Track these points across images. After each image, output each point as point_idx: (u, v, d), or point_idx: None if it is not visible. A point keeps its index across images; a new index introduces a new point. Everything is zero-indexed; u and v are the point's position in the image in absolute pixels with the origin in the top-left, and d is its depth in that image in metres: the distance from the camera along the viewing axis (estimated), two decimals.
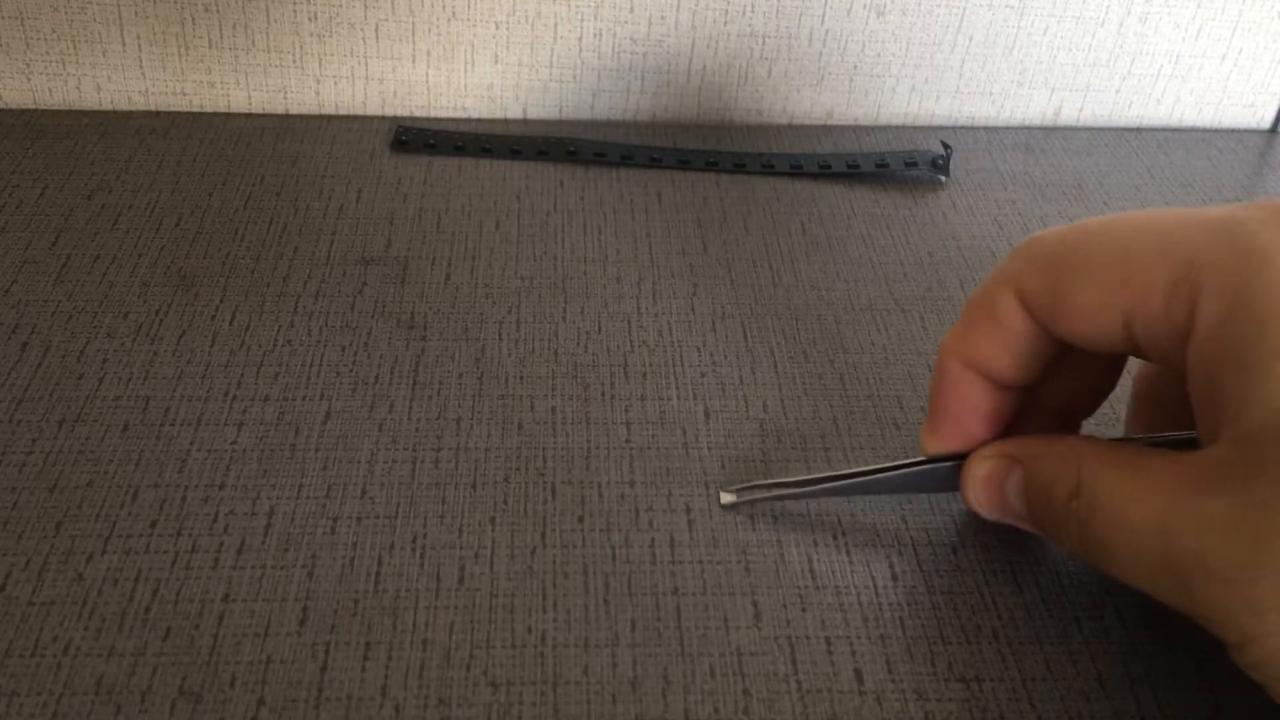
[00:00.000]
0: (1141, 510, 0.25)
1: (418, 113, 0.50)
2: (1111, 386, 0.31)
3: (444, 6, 0.48)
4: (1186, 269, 0.24)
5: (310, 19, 0.48)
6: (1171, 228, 0.25)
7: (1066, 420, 0.31)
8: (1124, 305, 0.26)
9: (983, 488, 0.29)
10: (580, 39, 0.49)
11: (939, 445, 0.30)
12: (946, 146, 0.48)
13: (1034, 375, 0.29)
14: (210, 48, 0.48)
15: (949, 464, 0.30)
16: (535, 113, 0.51)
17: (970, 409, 0.29)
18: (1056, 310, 0.27)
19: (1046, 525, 0.28)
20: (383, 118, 0.50)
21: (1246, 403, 0.23)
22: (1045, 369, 0.29)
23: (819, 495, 0.32)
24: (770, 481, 0.33)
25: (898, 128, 0.51)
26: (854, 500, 0.33)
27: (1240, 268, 0.24)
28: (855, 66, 0.50)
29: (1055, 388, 0.30)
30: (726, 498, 0.33)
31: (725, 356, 0.38)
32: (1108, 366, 0.30)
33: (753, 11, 0.48)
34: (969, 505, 0.30)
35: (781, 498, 0.32)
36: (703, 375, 0.37)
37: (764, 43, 0.49)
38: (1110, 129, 0.52)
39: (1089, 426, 0.34)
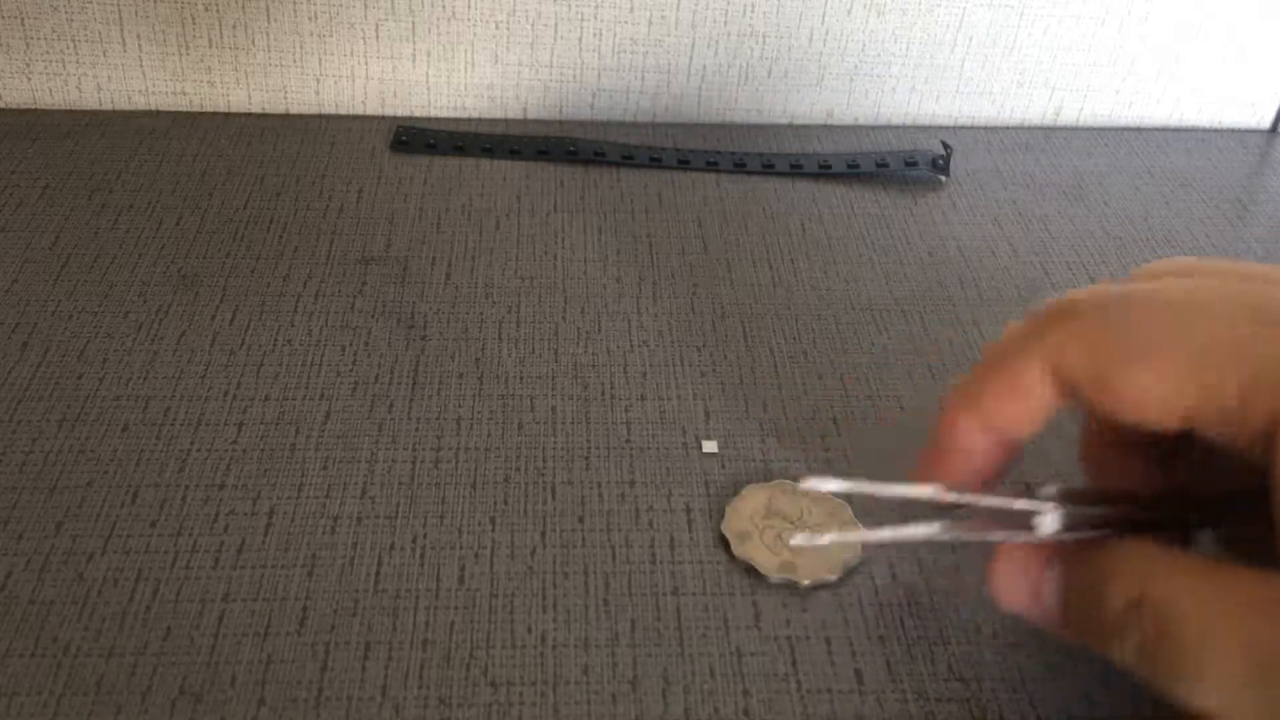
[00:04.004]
0: (1235, 636, 0.22)
1: (418, 113, 0.50)
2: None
3: (444, 6, 0.48)
4: (1264, 369, 0.23)
5: (310, 19, 0.48)
6: (1238, 317, 0.24)
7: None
8: (1190, 399, 0.24)
9: (1012, 580, 0.27)
10: (580, 39, 0.49)
11: (943, 477, 0.28)
12: (946, 146, 0.48)
13: (1041, 428, 0.27)
14: (210, 47, 0.48)
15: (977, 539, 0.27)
16: (535, 113, 0.51)
17: (978, 459, 0.27)
18: (1104, 391, 0.25)
19: (1091, 634, 0.25)
20: (383, 118, 0.50)
21: None
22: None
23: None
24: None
25: (898, 128, 0.51)
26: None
27: None
28: (855, 66, 0.50)
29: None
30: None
31: (725, 356, 0.38)
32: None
33: (753, 11, 0.48)
34: (992, 594, 0.27)
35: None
36: (703, 375, 0.37)
37: (764, 43, 0.49)
38: (1110, 129, 0.52)
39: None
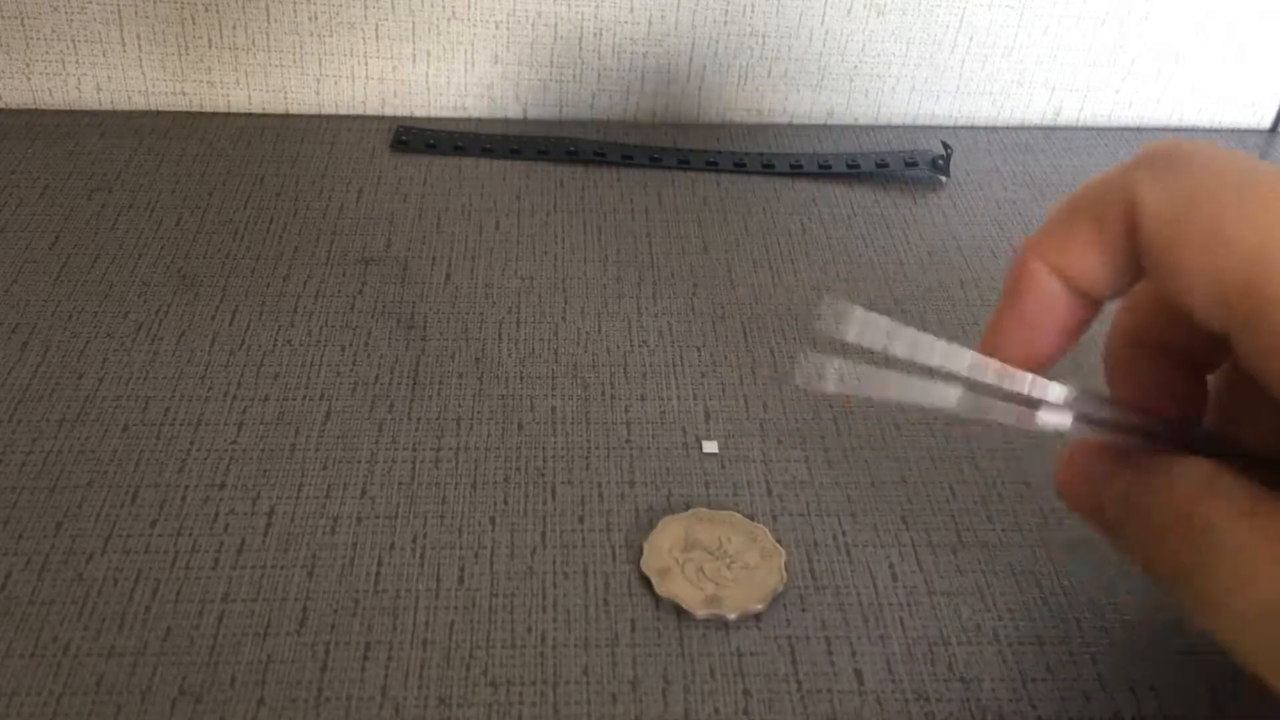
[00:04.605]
0: (1271, 584, 0.21)
1: (418, 113, 0.50)
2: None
3: (444, 6, 0.48)
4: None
5: (310, 19, 0.48)
6: None
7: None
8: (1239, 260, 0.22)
9: (1078, 480, 0.26)
10: (580, 39, 0.49)
11: (1010, 353, 0.26)
12: (946, 146, 0.48)
13: (1126, 288, 0.25)
14: (210, 48, 0.48)
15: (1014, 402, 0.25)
16: (535, 113, 0.51)
17: (1050, 321, 0.25)
18: (1168, 242, 0.23)
19: (1137, 543, 0.24)
20: (383, 118, 0.50)
21: None
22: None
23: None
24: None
25: (898, 128, 0.51)
26: (854, 500, 0.33)
27: None
28: (855, 66, 0.50)
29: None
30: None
31: (725, 356, 0.38)
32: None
33: (753, 11, 0.48)
34: (1058, 490, 0.27)
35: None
36: (703, 375, 0.37)
37: (764, 43, 0.49)
38: (1110, 129, 0.52)
39: None
